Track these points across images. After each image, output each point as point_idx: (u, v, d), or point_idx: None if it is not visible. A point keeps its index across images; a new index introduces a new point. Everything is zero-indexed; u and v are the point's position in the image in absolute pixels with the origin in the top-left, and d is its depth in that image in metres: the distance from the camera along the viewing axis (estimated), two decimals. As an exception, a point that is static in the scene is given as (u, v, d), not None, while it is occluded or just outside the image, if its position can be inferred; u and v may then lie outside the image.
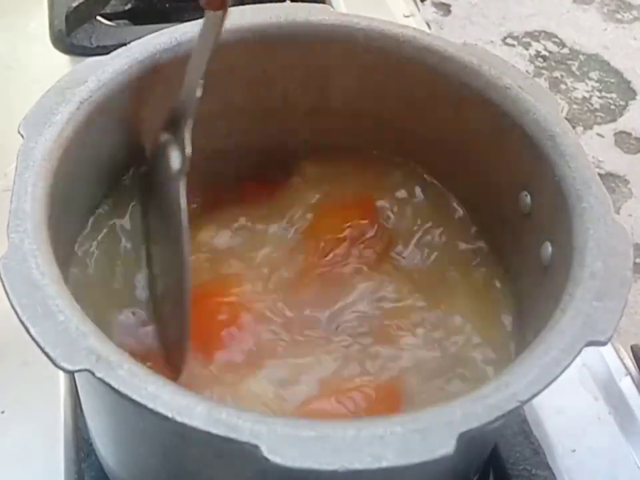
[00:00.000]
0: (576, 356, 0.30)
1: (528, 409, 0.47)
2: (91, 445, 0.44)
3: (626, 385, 0.49)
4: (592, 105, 1.71)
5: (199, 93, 0.39)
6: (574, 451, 0.46)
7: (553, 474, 0.44)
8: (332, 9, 0.45)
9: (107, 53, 0.41)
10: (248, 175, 0.48)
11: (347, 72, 0.45)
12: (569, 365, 0.30)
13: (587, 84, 1.76)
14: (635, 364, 0.50)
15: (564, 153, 0.38)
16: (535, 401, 0.30)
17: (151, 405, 0.27)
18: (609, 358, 0.50)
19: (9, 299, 0.30)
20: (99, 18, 0.68)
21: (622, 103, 1.71)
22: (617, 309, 0.32)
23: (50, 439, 0.44)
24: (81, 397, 0.42)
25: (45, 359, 0.29)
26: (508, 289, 0.43)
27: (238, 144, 0.48)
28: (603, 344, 0.31)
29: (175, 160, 0.39)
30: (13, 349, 0.47)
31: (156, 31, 0.42)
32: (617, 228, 0.35)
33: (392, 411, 0.37)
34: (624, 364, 0.50)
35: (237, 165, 0.48)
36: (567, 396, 0.48)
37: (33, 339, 0.29)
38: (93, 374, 0.28)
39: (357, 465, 0.26)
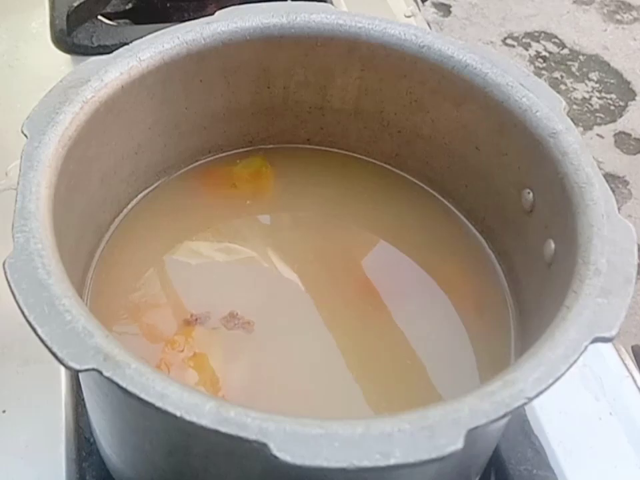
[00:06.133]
0: (582, 352, 0.30)
1: (529, 409, 0.47)
2: (92, 444, 0.44)
3: (627, 385, 0.49)
4: (592, 105, 1.71)
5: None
6: (575, 451, 0.46)
7: (554, 474, 0.44)
8: (333, 8, 0.45)
9: (108, 53, 0.40)
10: (248, 173, 0.48)
11: (348, 71, 0.45)
12: (575, 362, 0.30)
13: (586, 85, 1.76)
14: (636, 364, 0.50)
15: (566, 150, 0.38)
16: (536, 401, 0.30)
17: (159, 404, 0.27)
18: (610, 358, 0.50)
19: (15, 299, 0.30)
20: (100, 17, 0.68)
21: (622, 103, 1.72)
22: (621, 305, 0.32)
23: (51, 438, 0.44)
24: (85, 396, 0.42)
25: (46, 358, 0.29)
26: (510, 287, 0.43)
27: (239, 143, 0.48)
28: (609, 340, 0.31)
29: None
30: (14, 349, 0.47)
31: (157, 30, 0.42)
32: (620, 224, 0.35)
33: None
34: (625, 364, 0.50)
35: (237, 163, 0.48)
36: (568, 396, 0.48)
37: (40, 338, 0.29)
38: (101, 373, 0.28)
39: (366, 463, 0.26)
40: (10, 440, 0.44)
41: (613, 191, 0.42)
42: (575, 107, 1.69)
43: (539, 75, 1.75)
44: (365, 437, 0.27)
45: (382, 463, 0.26)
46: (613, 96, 1.74)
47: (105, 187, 0.42)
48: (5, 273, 0.31)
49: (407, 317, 0.42)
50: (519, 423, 0.46)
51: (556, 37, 1.87)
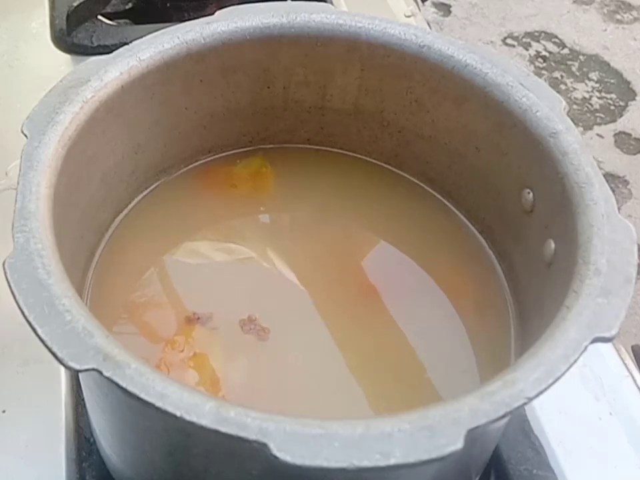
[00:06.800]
0: (582, 352, 0.30)
1: (529, 409, 0.47)
2: (92, 444, 0.44)
3: (627, 385, 0.49)
4: (592, 105, 1.71)
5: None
6: (575, 451, 0.46)
7: (554, 474, 0.44)
8: (333, 8, 0.45)
9: (108, 52, 0.40)
10: (248, 173, 0.48)
11: (348, 70, 0.45)
12: (575, 362, 0.30)
13: (586, 84, 1.76)
14: (636, 364, 0.50)
15: (566, 150, 0.38)
16: (536, 401, 0.30)
17: (159, 404, 0.27)
18: (610, 358, 0.50)
19: (15, 299, 0.30)
20: (99, 17, 0.68)
21: (622, 103, 1.72)
22: (621, 305, 0.32)
23: (51, 438, 0.44)
24: (85, 396, 0.42)
25: (46, 358, 0.29)
26: (510, 287, 0.43)
27: (239, 143, 0.48)
28: (609, 340, 0.31)
29: None
30: (14, 349, 0.47)
31: (157, 30, 0.42)
32: (620, 224, 0.35)
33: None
34: (625, 364, 0.50)
35: (237, 163, 0.48)
36: (568, 396, 0.48)
37: (40, 339, 0.29)
38: (101, 373, 0.28)
39: (366, 463, 0.26)
40: (10, 440, 0.44)
41: (613, 191, 0.42)
42: (575, 106, 1.69)
43: (539, 75, 1.75)
44: (364, 437, 0.27)
45: (382, 463, 0.26)
46: (613, 96, 1.74)
47: (104, 187, 0.42)
48: (5, 273, 0.31)
49: (407, 317, 0.42)
50: (519, 423, 0.46)
51: (556, 37, 1.87)
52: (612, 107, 1.71)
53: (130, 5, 0.71)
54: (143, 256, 0.44)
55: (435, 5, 1.90)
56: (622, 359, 0.50)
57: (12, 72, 0.66)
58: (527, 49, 1.84)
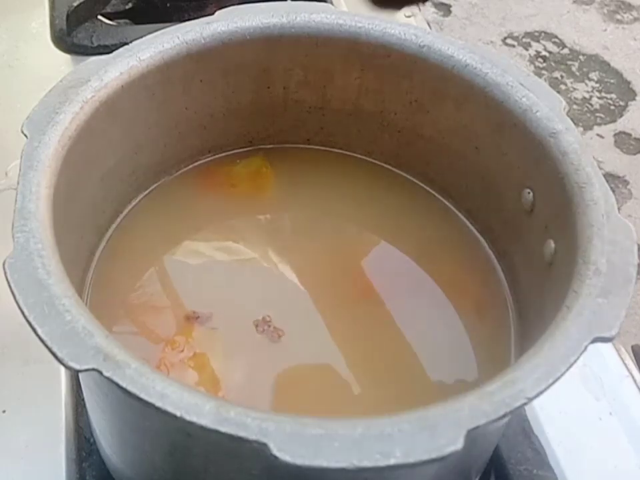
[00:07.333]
0: (582, 352, 0.30)
1: (529, 409, 0.47)
2: (92, 444, 0.44)
3: (627, 385, 0.49)
4: (592, 105, 1.71)
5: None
6: (575, 451, 0.46)
7: (555, 474, 0.44)
8: (333, 8, 0.45)
9: (108, 52, 0.40)
10: (248, 173, 0.48)
11: (348, 71, 0.45)
12: (575, 362, 0.30)
13: (586, 84, 1.76)
14: (636, 364, 0.50)
15: (566, 150, 0.38)
16: (536, 401, 0.30)
17: (159, 404, 0.27)
18: (610, 358, 0.50)
19: (15, 299, 0.30)
20: (99, 17, 0.68)
21: (622, 103, 1.72)
22: (621, 305, 0.32)
23: (51, 438, 0.44)
24: (85, 396, 0.42)
25: (46, 358, 0.29)
26: (510, 287, 0.43)
27: (239, 143, 0.48)
28: (609, 340, 0.31)
29: None
30: (14, 349, 0.47)
31: (157, 30, 0.42)
32: (620, 224, 0.35)
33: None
34: (625, 364, 0.50)
35: (237, 163, 0.48)
36: (568, 396, 0.48)
37: (40, 338, 0.29)
38: (101, 373, 0.28)
39: (366, 463, 0.26)
40: (10, 440, 0.44)
41: (613, 191, 0.42)
42: (575, 106, 1.69)
43: (539, 75, 1.75)
44: (365, 437, 0.27)
45: (382, 463, 0.26)
46: (613, 96, 1.74)
47: (105, 186, 0.42)
48: (5, 273, 0.31)
49: (407, 317, 0.42)
50: (519, 423, 0.46)
51: (556, 37, 1.87)
52: (612, 107, 1.72)
53: (130, 4, 0.71)
54: (143, 256, 0.44)
55: (434, 5, 1.90)
56: (622, 358, 0.50)
57: (12, 72, 0.66)
58: (527, 49, 1.84)
